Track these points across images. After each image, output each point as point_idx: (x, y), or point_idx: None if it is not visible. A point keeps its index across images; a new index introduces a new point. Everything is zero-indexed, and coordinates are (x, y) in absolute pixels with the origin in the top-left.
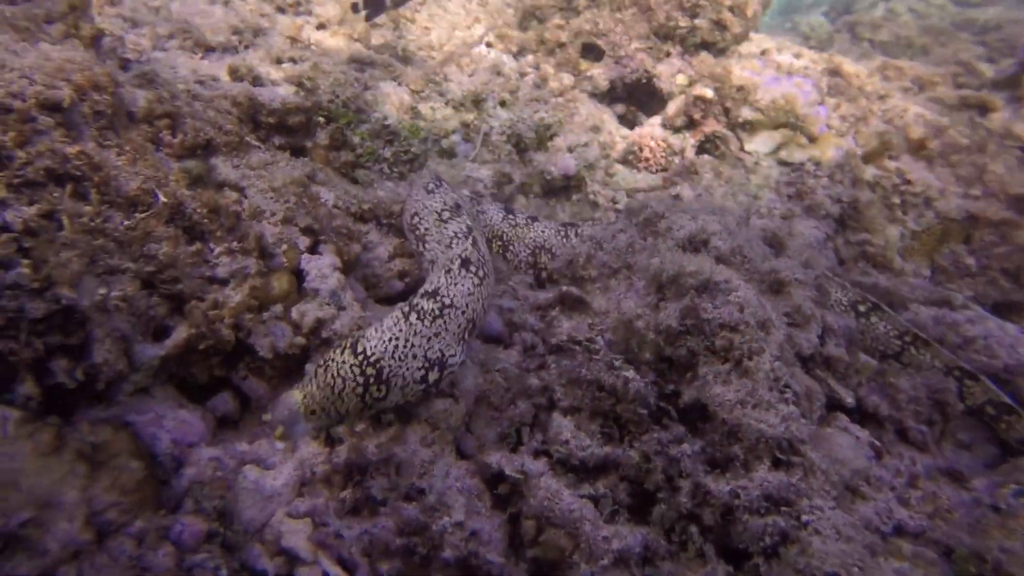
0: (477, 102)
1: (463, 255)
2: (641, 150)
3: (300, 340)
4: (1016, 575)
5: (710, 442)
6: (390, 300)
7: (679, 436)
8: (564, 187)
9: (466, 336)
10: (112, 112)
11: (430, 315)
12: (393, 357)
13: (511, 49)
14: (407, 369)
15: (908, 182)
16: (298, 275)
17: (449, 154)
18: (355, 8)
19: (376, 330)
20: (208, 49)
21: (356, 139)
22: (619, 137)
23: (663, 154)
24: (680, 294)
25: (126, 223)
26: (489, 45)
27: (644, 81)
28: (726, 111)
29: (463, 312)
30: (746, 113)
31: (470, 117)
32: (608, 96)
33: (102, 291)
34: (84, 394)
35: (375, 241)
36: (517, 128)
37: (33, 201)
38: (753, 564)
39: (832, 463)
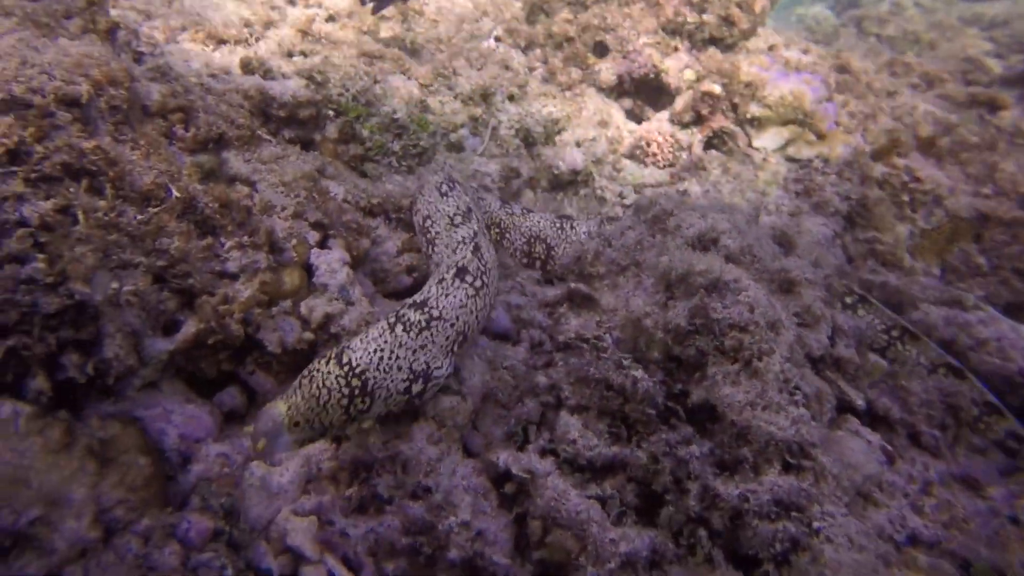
0: (486, 96)
1: (460, 264)
2: (649, 145)
3: (309, 335)
4: None
5: (719, 444)
6: (398, 295)
7: (687, 437)
8: (571, 182)
9: (455, 348)
10: (127, 107)
11: (416, 327)
12: (378, 369)
13: (519, 43)
14: (391, 381)
15: (917, 180)
16: (308, 270)
17: (457, 148)
18: (363, 0)
19: (362, 340)
20: (220, 42)
21: (365, 132)
22: (627, 132)
23: (671, 149)
24: (689, 293)
25: (139, 217)
26: (498, 39)
27: (652, 76)
28: (734, 107)
29: (452, 324)
30: (754, 109)
31: (479, 111)
32: (616, 91)
33: (114, 286)
34: (93, 388)
35: (384, 236)
36: (525, 122)
37: (50, 196)
38: (763, 571)
39: (844, 468)
